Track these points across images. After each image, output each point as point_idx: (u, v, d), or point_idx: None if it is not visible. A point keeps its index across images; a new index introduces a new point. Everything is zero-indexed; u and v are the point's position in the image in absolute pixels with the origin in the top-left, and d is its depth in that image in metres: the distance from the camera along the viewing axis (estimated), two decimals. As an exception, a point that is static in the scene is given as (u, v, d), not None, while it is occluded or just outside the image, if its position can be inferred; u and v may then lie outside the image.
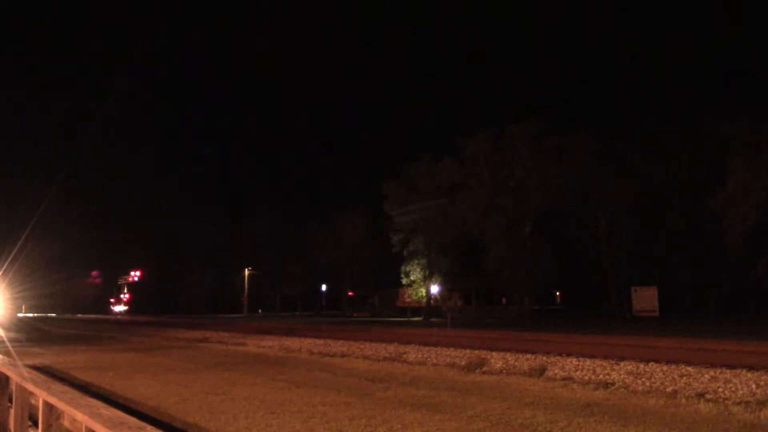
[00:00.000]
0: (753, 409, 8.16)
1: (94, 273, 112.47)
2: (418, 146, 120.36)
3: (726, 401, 8.71)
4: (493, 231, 50.75)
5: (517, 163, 51.17)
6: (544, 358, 13.33)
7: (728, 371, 10.38)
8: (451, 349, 15.91)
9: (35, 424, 5.33)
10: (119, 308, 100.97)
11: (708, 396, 9.07)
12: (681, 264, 48.08)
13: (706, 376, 10.23)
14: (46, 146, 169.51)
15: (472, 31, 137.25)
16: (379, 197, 59.48)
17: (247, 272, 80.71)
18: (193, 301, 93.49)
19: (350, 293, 74.48)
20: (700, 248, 47.05)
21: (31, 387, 5.19)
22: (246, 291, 79.89)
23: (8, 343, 23.85)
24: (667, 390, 9.66)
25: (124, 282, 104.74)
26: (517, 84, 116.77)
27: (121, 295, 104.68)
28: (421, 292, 58.46)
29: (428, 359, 14.73)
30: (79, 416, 3.79)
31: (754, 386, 9.29)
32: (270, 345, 20.25)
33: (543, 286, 55.77)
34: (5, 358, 7.74)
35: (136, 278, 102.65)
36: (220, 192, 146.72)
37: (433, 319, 49.78)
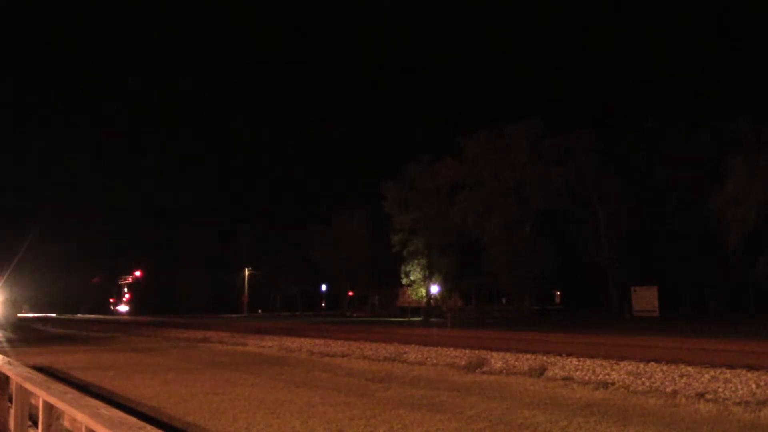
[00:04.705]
0: (753, 409, 8.15)
1: (99, 273, 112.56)
2: (418, 146, 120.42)
3: (726, 401, 8.70)
4: (493, 231, 50.72)
5: (517, 163, 51.13)
6: (544, 358, 13.32)
7: (728, 371, 10.37)
8: (451, 349, 15.90)
9: (35, 424, 5.33)
10: (123, 308, 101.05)
11: (708, 396, 9.07)
12: (681, 264, 48.03)
13: (706, 376, 10.23)
14: (48, 148, 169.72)
15: (472, 31, 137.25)
16: (379, 197, 59.52)
17: (247, 272, 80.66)
18: (193, 301, 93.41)
19: (350, 293, 74.47)
20: (700, 248, 47.02)
21: (31, 387, 5.19)
22: (246, 291, 79.86)
23: (15, 342, 23.86)
24: (667, 390, 9.66)
25: (124, 282, 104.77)
26: (517, 84, 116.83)
27: (122, 295, 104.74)
28: (421, 292, 58.43)
29: (428, 359, 14.72)
30: (79, 416, 3.78)
31: (754, 386, 9.28)
32: (270, 345, 20.23)
33: (543, 286, 55.74)
34: (5, 358, 7.74)
35: (136, 278, 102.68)
36: (221, 192, 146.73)
37: (433, 319, 49.76)
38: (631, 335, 22.51)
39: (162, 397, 9.92)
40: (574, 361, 12.62)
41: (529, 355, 13.79)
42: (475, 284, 57.53)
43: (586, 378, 11.11)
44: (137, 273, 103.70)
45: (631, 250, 49.77)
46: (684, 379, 10.15)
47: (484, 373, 12.57)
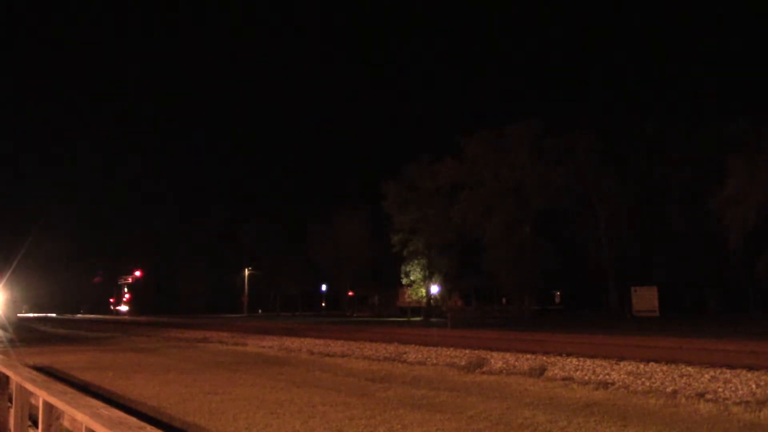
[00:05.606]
0: (753, 409, 8.15)
1: (99, 272, 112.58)
2: (418, 146, 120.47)
3: (726, 401, 8.70)
4: (493, 231, 50.69)
5: (517, 163, 51.12)
6: (544, 358, 13.32)
7: (728, 371, 10.38)
8: (451, 349, 15.91)
9: (35, 424, 5.33)
10: (123, 308, 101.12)
11: (708, 396, 9.06)
12: (681, 264, 48.02)
13: (706, 376, 10.23)
14: (47, 148, 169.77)
15: (472, 31, 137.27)
16: (379, 197, 59.49)
17: (247, 272, 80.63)
18: (193, 301, 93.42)
19: (350, 293, 74.43)
20: (700, 248, 47.00)
21: (31, 387, 5.19)
22: (246, 291, 79.83)
23: (15, 342, 23.87)
24: (667, 390, 9.66)
25: (124, 282, 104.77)
26: (517, 84, 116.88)
27: (122, 295, 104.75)
28: (421, 292, 58.41)
29: (428, 359, 14.72)
30: (79, 416, 3.78)
31: (754, 386, 9.28)
32: (270, 345, 20.24)
33: (543, 286, 55.71)
34: (5, 358, 7.74)
35: (136, 278, 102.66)
36: (221, 192, 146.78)
37: (433, 319, 49.74)
38: (631, 335, 22.50)
39: (162, 397, 9.92)
40: (574, 361, 12.62)
41: (529, 355, 13.79)
42: (475, 284, 57.50)
43: (586, 378, 11.11)
44: (137, 273, 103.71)
45: (631, 250, 49.77)
46: (684, 379, 10.15)
47: (484, 373, 12.57)
